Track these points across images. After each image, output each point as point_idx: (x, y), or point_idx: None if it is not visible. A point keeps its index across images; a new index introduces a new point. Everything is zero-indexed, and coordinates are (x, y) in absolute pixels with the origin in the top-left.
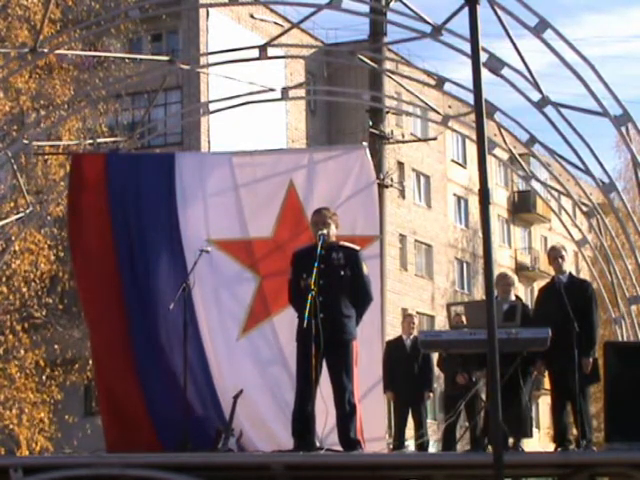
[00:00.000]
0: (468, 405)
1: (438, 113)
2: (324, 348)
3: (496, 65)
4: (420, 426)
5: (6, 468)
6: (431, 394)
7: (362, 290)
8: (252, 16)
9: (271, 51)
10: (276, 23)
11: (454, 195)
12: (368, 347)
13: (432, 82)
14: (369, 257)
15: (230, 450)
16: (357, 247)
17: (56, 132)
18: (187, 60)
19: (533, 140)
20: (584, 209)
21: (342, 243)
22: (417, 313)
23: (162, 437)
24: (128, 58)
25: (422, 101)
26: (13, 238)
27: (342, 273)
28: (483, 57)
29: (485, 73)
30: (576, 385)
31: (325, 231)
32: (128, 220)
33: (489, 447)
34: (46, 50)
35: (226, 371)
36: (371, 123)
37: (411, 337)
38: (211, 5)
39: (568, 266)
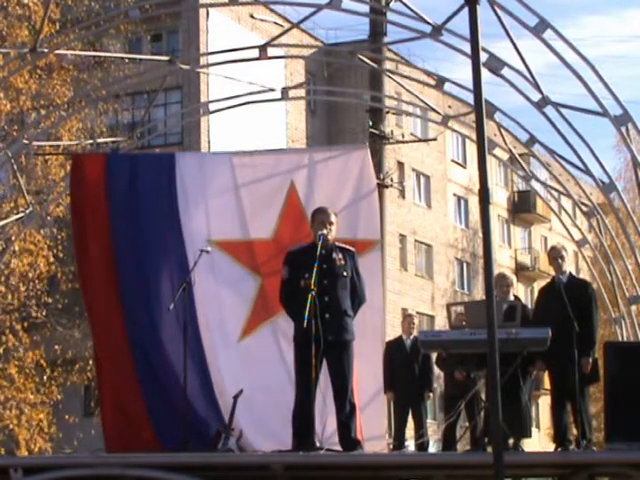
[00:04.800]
0: (468, 405)
1: (438, 113)
2: (325, 348)
3: (496, 65)
4: (420, 426)
5: (6, 468)
6: (431, 394)
7: (360, 292)
8: (252, 16)
9: (271, 51)
10: (276, 23)
11: (454, 195)
12: (370, 348)
13: (432, 82)
14: (370, 260)
15: (230, 450)
16: (353, 248)
17: (56, 132)
18: (187, 60)
19: (533, 140)
20: (584, 209)
21: (339, 244)
22: (417, 313)
23: (162, 437)
24: (128, 58)
25: (422, 101)
26: (13, 238)
27: (345, 274)
28: (483, 57)
29: (485, 73)
30: (576, 385)
31: (326, 231)
32: (128, 220)
33: (489, 447)
34: (46, 50)
35: (226, 371)
36: (371, 123)
37: (411, 337)
38: (211, 5)
39: (568, 266)
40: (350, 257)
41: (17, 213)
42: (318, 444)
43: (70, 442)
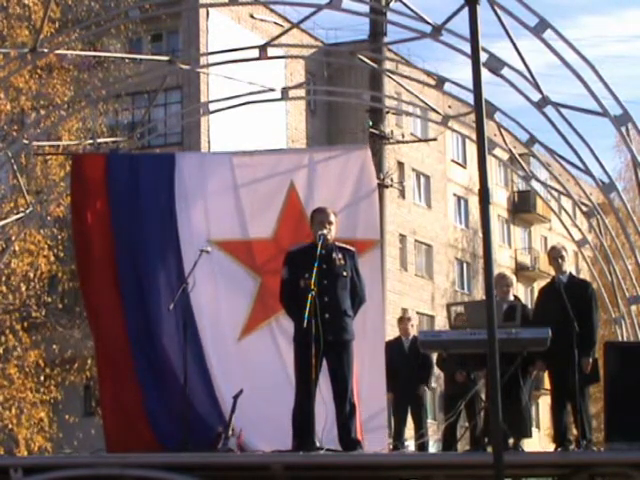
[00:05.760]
0: (468, 405)
1: (438, 113)
2: (325, 348)
3: (496, 65)
4: (420, 426)
5: (6, 468)
6: (427, 387)
7: (360, 292)
8: (252, 16)
9: (271, 51)
10: (276, 23)
11: (454, 195)
12: (370, 348)
13: (432, 82)
14: (370, 260)
15: (230, 450)
16: (353, 248)
17: (56, 132)
18: (187, 60)
19: (533, 140)
20: (584, 209)
21: (339, 244)
22: (417, 313)
23: (162, 437)
24: (128, 58)
25: (422, 101)
26: (13, 238)
27: (345, 274)
28: (483, 57)
29: (485, 73)
30: (576, 385)
31: (326, 231)
32: (128, 220)
33: (489, 447)
34: (46, 50)
35: (226, 371)
36: (371, 123)
37: (410, 337)
38: (211, 5)
39: (568, 266)
40: (350, 257)
41: (17, 213)
42: (318, 444)
43: (70, 442)
